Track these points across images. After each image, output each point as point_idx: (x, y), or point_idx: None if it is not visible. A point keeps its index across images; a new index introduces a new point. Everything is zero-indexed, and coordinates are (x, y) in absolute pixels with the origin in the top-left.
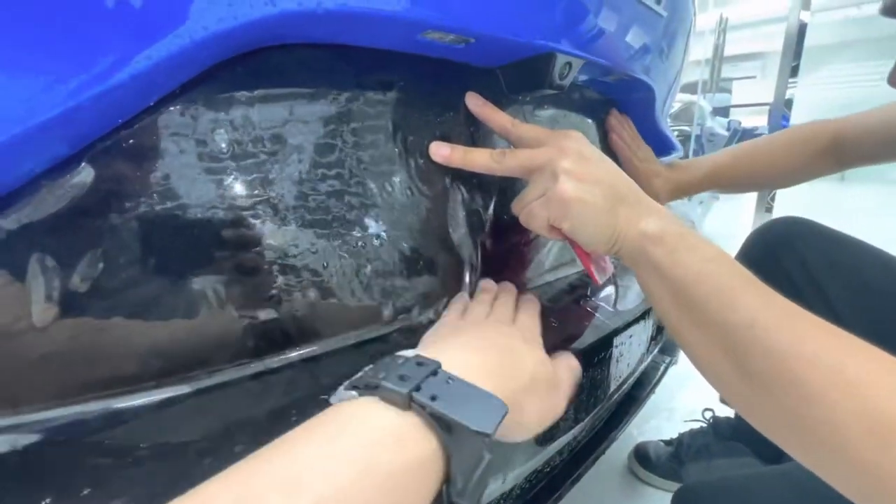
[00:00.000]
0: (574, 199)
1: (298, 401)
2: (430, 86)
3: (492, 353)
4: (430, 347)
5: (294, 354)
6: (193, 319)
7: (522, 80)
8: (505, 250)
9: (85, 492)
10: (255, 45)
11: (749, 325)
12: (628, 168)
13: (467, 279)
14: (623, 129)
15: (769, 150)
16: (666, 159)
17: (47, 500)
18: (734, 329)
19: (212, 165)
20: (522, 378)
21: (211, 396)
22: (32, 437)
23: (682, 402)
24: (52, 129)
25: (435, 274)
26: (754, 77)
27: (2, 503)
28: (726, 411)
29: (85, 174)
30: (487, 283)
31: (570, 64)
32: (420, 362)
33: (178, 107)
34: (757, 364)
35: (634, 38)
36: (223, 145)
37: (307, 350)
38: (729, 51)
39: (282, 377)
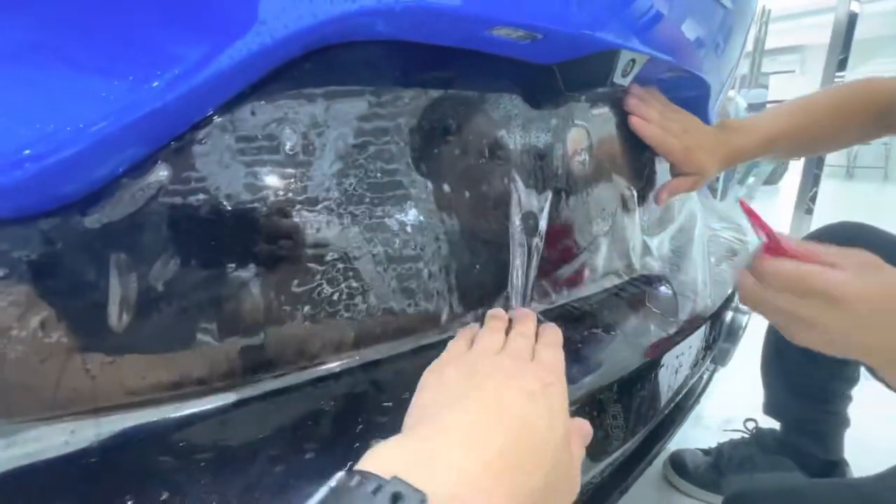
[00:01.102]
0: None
1: (361, 405)
2: (488, 82)
3: (501, 438)
4: (419, 432)
5: (355, 359)
6: (262, 321)
7: (582, 76)
8: (559, 254)
9: (164, 496)
10: (326, 43)
11: None
12: (663, 149)
13: (521, 283)
14: (649, 106)
15: (830, 115)
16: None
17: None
18: None
19: (279, 163)
20: (540, 472)
21: (277, 400)
22: (110, 438)
23: (717, 408)
24: (137, 131)
25: (491, 277)
26: (793, 71)
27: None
28: (770, 422)
29: (161, 173)
30: (496, 311)
31: (633, 60)
32: (398, 495)
33: (248, 105)
34: None
35: (698, 33)
36: (290, 143)
37: (362, 355)
38: (768, 44)
39: (343, 382)
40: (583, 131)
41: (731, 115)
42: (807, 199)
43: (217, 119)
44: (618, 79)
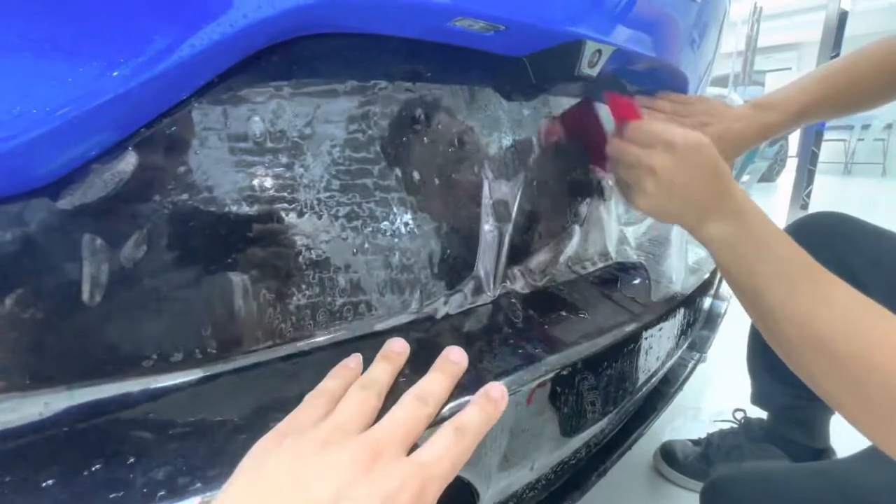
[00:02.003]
0: (647, 201)
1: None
2: (458, 75)
3: None
4: None
5: (322, 339)
6: (229, 302)
7: (550, 68)
8: (531, 241)
9: (130, 460)
10: (289, 35)
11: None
12: None
13: (493, 270)
14: (654, 113)
15: (863, 79)
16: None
17: (97, 466)
18: (770, 318)
19: (245, 156)
20: None
21: (245, 376)
22: (83, 410)
23: (709, 401)
24: (103, 116)
25: (461, 264)
26: (790, 69)
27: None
28: (758, 412)
29: (129, 160)
30: (350, 360)
31: (599, 51)
32: None
33: (214, 96)
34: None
35: (666, 25)
36: (257, 133)
37: (335, 335)
38: (762, 42)
39: (310, 359)
40: (556, 121)
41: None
42: (802, 196)
43: (186, 109)
44: (585, 69)
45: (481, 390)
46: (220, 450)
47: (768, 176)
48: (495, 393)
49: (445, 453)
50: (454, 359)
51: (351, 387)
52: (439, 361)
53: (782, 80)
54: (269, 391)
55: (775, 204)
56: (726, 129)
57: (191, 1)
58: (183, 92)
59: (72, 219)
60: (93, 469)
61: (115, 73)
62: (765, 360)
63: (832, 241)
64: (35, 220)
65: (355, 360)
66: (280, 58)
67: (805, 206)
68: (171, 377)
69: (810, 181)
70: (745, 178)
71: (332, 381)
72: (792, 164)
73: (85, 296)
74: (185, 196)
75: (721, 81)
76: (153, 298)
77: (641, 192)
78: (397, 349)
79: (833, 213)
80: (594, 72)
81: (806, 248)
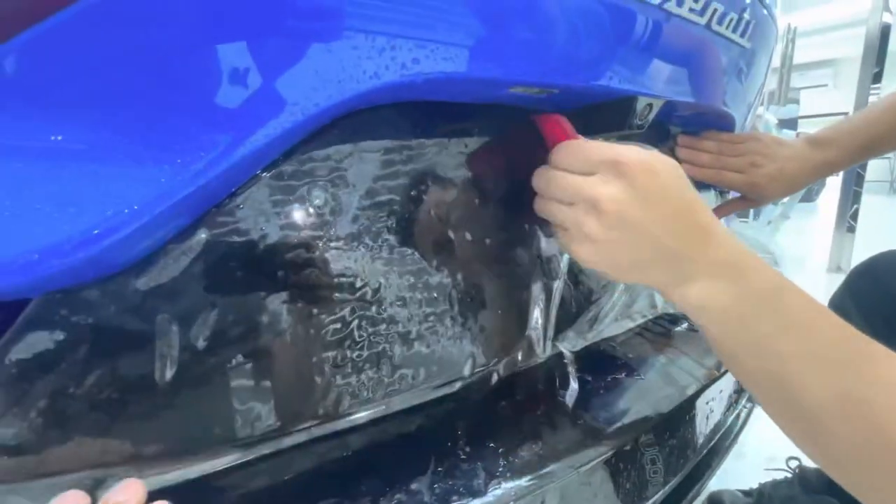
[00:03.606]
0: (591, 250)
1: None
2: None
3: None
4: None
5: (378, 410)
6: (297, 375)
7: (600, 122)
8: (580, 296)
9: None
10: (352, 110)
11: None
12: (725, 187)
13: (544, 328)
14: (699, 152)
15: None
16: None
17: None
18: (805, 417)
19: (312, 221)
20: None
21: (311, 450)
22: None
23: (758, 446)
24: (184, 206)
25: (513, 324)
26: (825, 85)
27: None
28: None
29: (199, 239)
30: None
31: (650, 105)
32: None
33: (279, 170)
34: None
35: (718, 74)
36: (319, 202)
37: (391, 405)
38: (797, 58)
39: (369, 431)
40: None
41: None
42: (847, 217)
43: (251, 186)
44: (636, 122)
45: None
46: None
47: (808, 196)
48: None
49: None
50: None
51: None
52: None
53: (818, 98)
54: (335, 463)
55: (817, 226)
56: (779, 169)
57: (269, 98)
58: (251, 173)
59: (146, 299)
60: None
61: (196, 168)
62: None
63: None
64: (114, 302)
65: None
66: (339, 129)
67: (852, 229)
68: (241, 454)
69: (856, 201)
70: (786, 198)
71: None
72: (832, 183)
73: (157, 374)
74: (249, 270)
75: None
76: (222, 374)
77: (582, 238)
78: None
79: None
80: (645, 123)
81: (880, 286)
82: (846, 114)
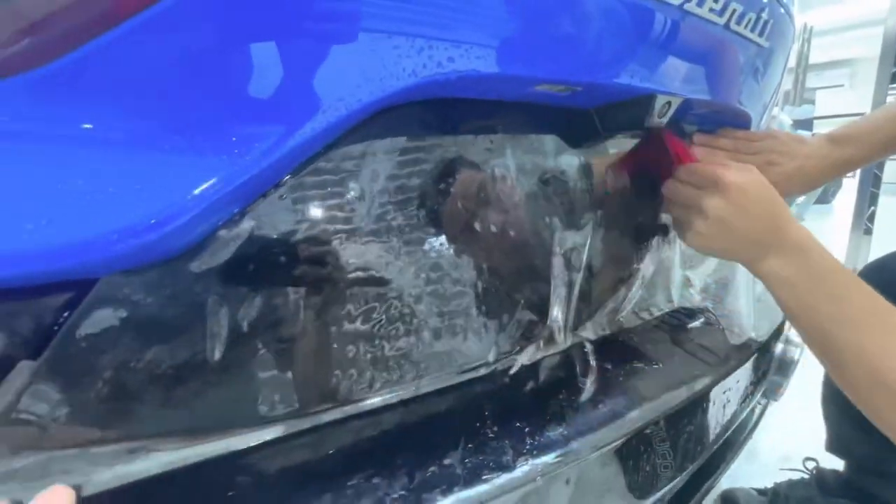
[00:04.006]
0: (698, 240)
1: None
2: (527, 127)
3: None
4: None
5: (408, 391)
6: (336, 355)
7: (619, 120)
8: (600, 288)
9: None
10: (389, 106)
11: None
12: None
13: (564, 318)
14: (714, 152)
15: None
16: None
17: None
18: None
19: (344, 213)
20: None
21: (349, 426)
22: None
23: (773, 444)
24: (236, 193)
25: (534, 312)
26: (842, 86)
27: None
28: (831, 461)
29: (247, 225)
30: None
31: (669, 103)
32: None
33: (320, 163)
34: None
35: (735, 73)
36: (354, 194)
37: (421, 387)
38: (813, 58)
39: (399, 411)
40: (626, 158)
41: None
42: (864, 220)
43: (296, 176)
44: (654, 120)
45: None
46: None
47: (823, 198)
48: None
49: None
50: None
51: None
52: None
53: (834, 98)
54: (366, 440)
55: (833, 227)
56: (797, 168)
57: (318, 93)
58: (297, 164)
59: (198, 281)
60: None
61: (250, 158)
62: (843, 403)
63: None
64: (170, 283)
65: None
66: (376, 123)
67: (869, 231)
68: (279, 428)
69: (873, 203)
70: (800, 199)
71: None
72: (848, 184)
73: (208, 352)
74: (290, 256)
75: None
76: (266, 353)
77: (693, 232)
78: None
79: None
80: (663, 121)
81: (886, 292)
82: (862, 114)
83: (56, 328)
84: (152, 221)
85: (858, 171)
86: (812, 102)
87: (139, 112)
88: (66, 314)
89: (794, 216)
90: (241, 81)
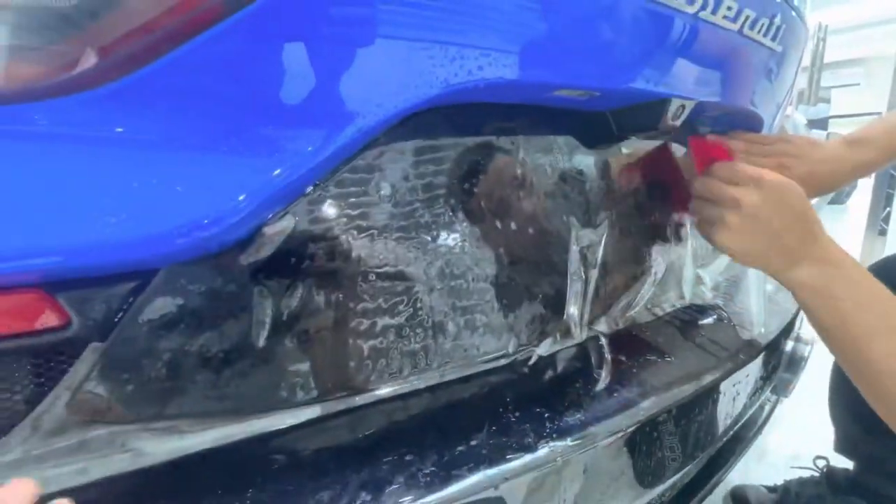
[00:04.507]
0: (730, 237)
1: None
2: (545, 128)
3: None
4: None
5: (433, 379)
6: (366, 343)
7: (634, 122)
8: (615, 284)
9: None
10: (421, 110)
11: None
12: None
13: (580, 313)
14: (734, 146)
15: None
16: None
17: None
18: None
19: (377, 211)
20: None
21: (372, 410)
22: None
23: (784, 442)
24: (282, 194)
25: (551, 307)
26: (858, 84)
27: None
28: (842, 461)
29: (288, 222)
30: None
31: (683, 106)
32: None
33: (357, 163)
34: None
35: (748, 76)
36: (385, 192)
37: (445, 374)
38: (828, 57)
39: (425, 397)
40: (634, 166)
41: (790, 132)
42: (879, 221)
43: (334, 178)
44: (669, 123)
45: None
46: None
47: (838, 198)
48: None
49: None
50: None
51: None
52: None
53: (850, 97)
54: (398, 422)
55: (848, 228)
56: (810, 172)
57: (359, 100)
58: (336, 165)
59: (246, 273)
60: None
61: (296, 160)
62: (850, 405)
63: None
64: (221, 274)
65: None
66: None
67: (883, 232)
68: (316, 409)
69: (888, 204)
70: (815, 199)
71: None
72: (863, 185)
73: (254, 338)
74: (327, 251)
75: None
76: (306, 340)
77: (724, 228)
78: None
79: None
80: (677, 124)
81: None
82: (879, 114)
83: (122, 314)
84: (213, 217)
85: (875, 173)
86: (827, 101)
87: (202, 119)
88: (131, 300)
89: None
90: (289, 91)
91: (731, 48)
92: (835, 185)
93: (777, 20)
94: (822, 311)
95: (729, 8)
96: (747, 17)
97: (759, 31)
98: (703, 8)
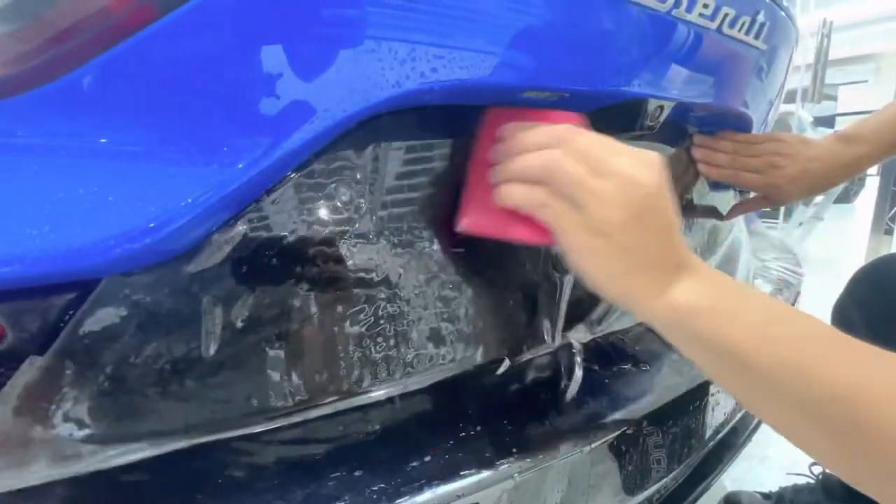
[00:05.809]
0: (576, 252)
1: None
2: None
3: None
4: None
5: (396, 388)
6: (324, 352)
7: (612, 123)
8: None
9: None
10: (375, 114)
11: (835, 399)
12: (743, 187)
13: (553, 320)
14: (715, 152)
15: None
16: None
17: None
18: (818, 405)
19: (336, 217)
20: None
21: (331, 422)
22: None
23: (779, 448)
24: (229, 201)
25: (523, 314)
26: (866, 81)
27: None
28: None
29: (239, 230)
30: None
31: (661, 107)
32: None
33: (310, 168)
34: (858, 441)
35: (731, 76)
36: (345, 198)
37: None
38: (834, 53)
39: (387, 408)
40: None
41: (794, 131)
42: (885, 220)
43: (286, 183)
44: (647, 123)
45: None
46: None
47: (844, 197)
48: None
49: None
50: None
51: None
52: None
53: (858, 95)
54: (352, 435)
55: (854, 227)
56: (801, 171)
57: (305, 104)
58: (286, 172)
59: (194, 282)
60: None
61: (240, 167)
62: None
63: None
64: (167, 284)
65: None
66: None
67: (890, 231)
68: (275, 422)
69: (895, 203)
70: (820, 198)
71: None
72: (871, 184)
73: (203, 349)
74: (282, 258)
75: (789, 97)
76: (259, 350)
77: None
78: None
79: None
80: (656, 125)
81: (881, 291)
82: None
83: (62, 325)
84: (149, 226)
85: (881, 170)
86: (834, 99)
87: (136, 125)
88: (71, 312)
89: (814, 216)
90: (230, 96)
91: (710, 47)
92: (828, 184)
93: (760, 18)
94: (717, 336)
95: (705, 6)
96: (726, 16)
97: (739, 30)
98: (677, 6)
